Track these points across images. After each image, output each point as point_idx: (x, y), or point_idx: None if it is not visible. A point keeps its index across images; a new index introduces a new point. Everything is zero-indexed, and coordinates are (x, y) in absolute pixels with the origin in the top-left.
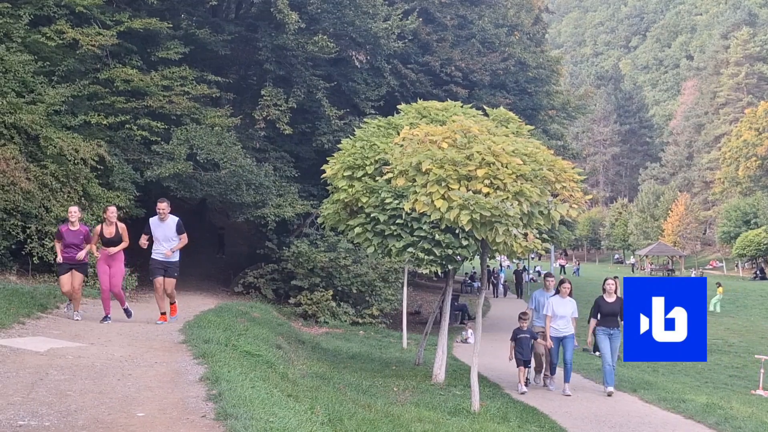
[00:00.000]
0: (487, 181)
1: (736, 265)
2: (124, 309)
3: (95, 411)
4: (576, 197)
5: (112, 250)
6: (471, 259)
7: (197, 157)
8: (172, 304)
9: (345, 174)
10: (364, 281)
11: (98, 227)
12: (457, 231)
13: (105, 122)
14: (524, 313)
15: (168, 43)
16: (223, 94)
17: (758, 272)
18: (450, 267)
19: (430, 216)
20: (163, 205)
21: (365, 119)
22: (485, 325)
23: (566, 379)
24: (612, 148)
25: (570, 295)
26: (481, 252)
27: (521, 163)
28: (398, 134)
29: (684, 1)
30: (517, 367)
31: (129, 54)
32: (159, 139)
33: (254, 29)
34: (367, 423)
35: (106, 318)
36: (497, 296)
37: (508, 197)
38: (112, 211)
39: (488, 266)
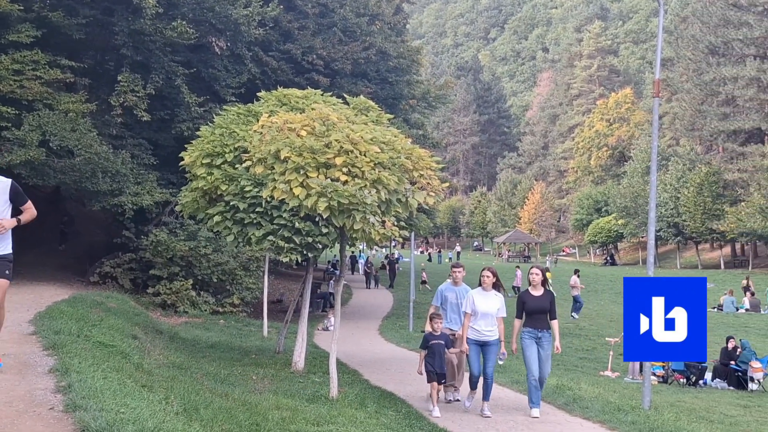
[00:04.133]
0: (345, 169)
1: (588, 252)
2: None
3: None
4: (433, 185)
5: None
6: (331, 247)
7: (50, 144)
8: None
9: (204, 162)
10: (225, 270)
11: None
12: (316, 219)
13: None
14: (437, 314)
15: (19, 26)
16: (78, 79)
17: (608, 258)
18: (310, 255)
19: (289, 204)
20: None
21: (225, 107)
22: (346, 312)
23: (485, 397)
24: (472, 137)
25: (496, 287)
26: (340, 240)
27: (379, 151)
28: (258, 122)
29: None
30: (428, 382)
31: None
32: (9, 124)
33: (110, 13)
34: (223, 412)
35: None
36: (370, 287)
37: (366, 185)
38: None
39: (353, 254)
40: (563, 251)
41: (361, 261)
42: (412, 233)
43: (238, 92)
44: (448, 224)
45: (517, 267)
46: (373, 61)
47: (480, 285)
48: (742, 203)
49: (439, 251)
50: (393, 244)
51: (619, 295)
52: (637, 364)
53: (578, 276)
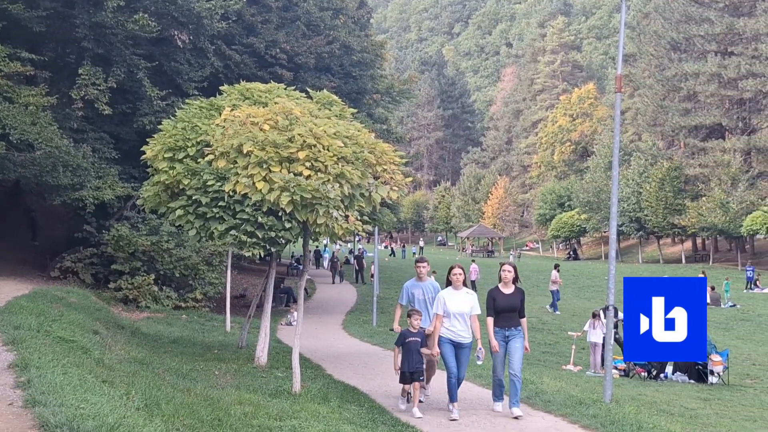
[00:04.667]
0: (308, 164)
1: (551, 246)
2: None
3: None
4: (397, 180)
5: None
6: (295, 242)
7: (10, 138)
8: None
9: (166, 156)
10: (188, 265)
11: None
12: (279, 213)
13: None
14: (416, 311)
15: None
16: (39, 72)
17: (571, 253)
18: (273, 249)
19: (251, 198)
20: None
21: (188, 100)
22: (310, 307)
23: (453, 398)
24: (435, 132)
25: (465, 284)
26: (303, 234)
27: (342, 145)
28: (220, 116)
29: None
30: (400, 382)
31: None
32: None
33: (71, 5)
34: (185, 407)
35: None
36: (335, 282)
37: (329, 179)
38: None
39: (317, 249)
40: (527, 246)
41: (326, 255)
42: (376, 228)
43: (200, 86)
44: (412, 219)
45: (473, 261)
46: (337, 56)
47: (449, 284)
48: (703, 198)
49: (403, 246)
50: (357, 239)
51: (582, 289)
52: (598, 358)
53: (558, 271)
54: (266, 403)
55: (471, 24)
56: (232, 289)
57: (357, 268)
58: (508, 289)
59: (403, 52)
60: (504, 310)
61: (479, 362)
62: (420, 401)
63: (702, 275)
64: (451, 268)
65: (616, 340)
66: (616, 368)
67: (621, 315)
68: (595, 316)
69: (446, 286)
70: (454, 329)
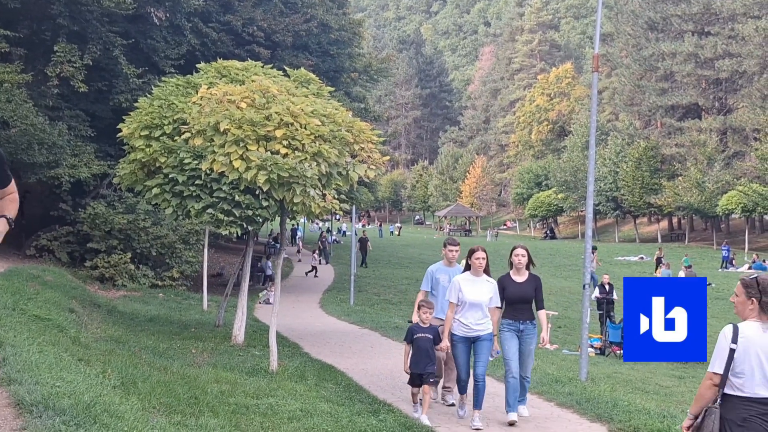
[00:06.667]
0: (285, 142)
1: (528, 225)
2: None
3: None
4: (374, 158)
5: None
6: (272, 221)
7: None
8: None
9: (142, 133)
10: (164, 243)
11: None
12: (256, 192)
13: None
14: (427, 302)
15: None
16: (13, 49)
17: (548, 232)
18: (250, 228)
19: (228, 176)
20: None
21: (164, 78)
22: (287, 286)
23: (476, 404)
24: (413, 111)
25: (486, 271)
26: (280, 213)
27: (320, 124)
28: (197, 93)
29: None
30: (408, 384)
31: None
32: None
33: None
34: (161, 385)
35: None
36: (325, 263)
37: (306, 158)
38: None
39: (294, 227)
40: (504, 225)
41: (300, 234)
42: (353, 206)
43: (177, 64)
44: (389, 198)
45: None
46: (315, 34)
47: (467, 269)
48: (679, 178)
49: (380, 225)
50: (336, 218)
51: (559, 268)
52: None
53: (594, 253)
54: (243, 382)
55: (449, 3)
56: (209, 268)
57: (361, 251)
58: (521, 277)
59: (381, 31)
60: (516, 301)
61: (490, 358)
62: (452, 404)
63: (658, 253)
64: (473, 251)
65: (609, 317)
66: (591, 347)
67: (615, 296)
68: None
69: (464, 271)
70: (468, 323)
